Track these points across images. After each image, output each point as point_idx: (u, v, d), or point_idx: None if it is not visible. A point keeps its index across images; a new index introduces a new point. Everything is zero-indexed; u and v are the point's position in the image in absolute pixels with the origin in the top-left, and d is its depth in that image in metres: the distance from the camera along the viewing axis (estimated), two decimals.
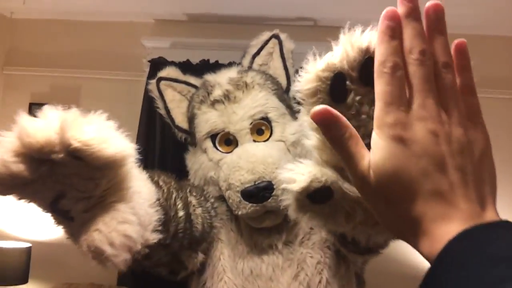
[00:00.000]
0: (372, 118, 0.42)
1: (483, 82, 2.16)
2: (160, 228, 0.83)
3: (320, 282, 1.03)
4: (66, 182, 0.64)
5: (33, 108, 2.78)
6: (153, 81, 1.22)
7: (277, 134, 1.09)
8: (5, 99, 2.86)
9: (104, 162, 0.61)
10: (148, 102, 2.58)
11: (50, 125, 0.61)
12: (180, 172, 2.43)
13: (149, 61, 2.61)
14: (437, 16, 0.42)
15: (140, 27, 2.73)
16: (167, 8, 2.61)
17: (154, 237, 0.80)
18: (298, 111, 1.13)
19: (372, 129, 0.42)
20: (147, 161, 2.53)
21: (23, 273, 2.43)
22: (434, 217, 0.38)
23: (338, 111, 0.43)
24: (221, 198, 1.09)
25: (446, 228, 0.37)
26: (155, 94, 1.22)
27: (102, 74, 2.77)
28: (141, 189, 0.79)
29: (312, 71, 0.50)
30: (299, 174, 0.63)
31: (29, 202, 0.67)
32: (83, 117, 0.66)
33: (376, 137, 0.41)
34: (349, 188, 0.57)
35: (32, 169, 0.61)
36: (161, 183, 0.95)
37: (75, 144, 0.59)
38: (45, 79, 2.84)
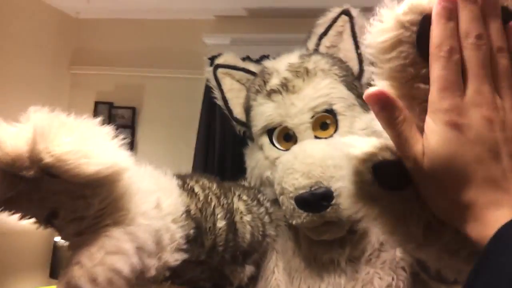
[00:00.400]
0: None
1: None
2: (188, 245, 0.70)
3: None
4: (55, 199, 0.54)
5: (99, 106, 2.87)
6: (210, 69, 1.11)
7: (343, 130, 0.92)
8: (72, 98, 2.96)
9: (86, 179, 0.50)
10: (208, 100, 2.56)
11: (23, 135, 0.50)
12: (240, 171, 2.40)
13: (209, 58, 2.58)
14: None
15: (200, 24, 2.71)
16: (227, 4, 2.56)
17: (176, 258, 0.67)
18: None
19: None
20: (207, 160, 2.51)
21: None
22: (486, 203, 0.38)
23: (428, 69, 0.39)
24: (278, 202, 0.94)
25: (498, 214, 0.37)
26: (212, 83, 1.11)
27: (164, 73, 2.79)
28: (162, 201, 0.67)
29: (389, 16, 0.40)
30: (362, 141, 0.49)
31: (23, 217, 0.57)
32: (65, 123, 0.53)
33: (431, 122, 0.40)
34: None
35: (9, 185, 0.52)
36: (197, 189, 0.81)
37: (47, 159, 0.48)
38: (110, 78, 2.90)
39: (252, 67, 1.12)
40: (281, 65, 0.98)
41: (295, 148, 0.90)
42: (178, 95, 2.76)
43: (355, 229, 0.90)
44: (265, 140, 0.97)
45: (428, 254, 0.48)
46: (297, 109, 0.92)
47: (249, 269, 0.91)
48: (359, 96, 0.97)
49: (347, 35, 1.03)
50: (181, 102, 2.74)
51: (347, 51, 1.02)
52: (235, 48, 2.57)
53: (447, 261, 0.46)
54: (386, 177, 0.44)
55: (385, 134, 0.46)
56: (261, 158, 0.98)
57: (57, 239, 2.50)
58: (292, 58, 1.00)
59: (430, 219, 0.45)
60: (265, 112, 0.96)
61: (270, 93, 0.95)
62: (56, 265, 2.46)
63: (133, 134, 2.80)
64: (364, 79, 1.01)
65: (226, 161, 2.48)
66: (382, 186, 0.45)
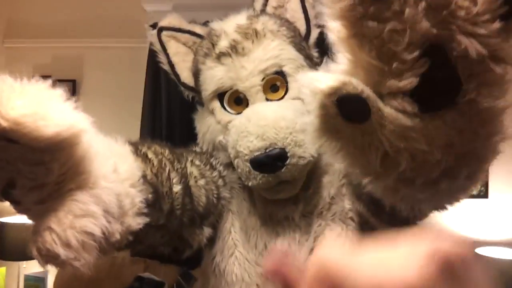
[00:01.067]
0: (419, 21, 0.35)
1: None
2: (147, 209, 0.70)
3: None
4: (11, 168, 0.52)
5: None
6: (154, 32, 1.08)
7: (293, 91, 0.93)
8: (8, 73, 2.79)
9: (46, 142, 0.49)
10: (153, 69, 2.50)
11: None
12: (189, 138, 2.40)
13: (150, 25, 2.51)
14: None
15: None
16: None
17: (138, 222, 0.67)
18: (320, 63, 1.00)
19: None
20: (155, 129, 2.47)
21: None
22: None
23: (375, 6, 0.37)
24: (232, 165, 0.95)
25: None
26: (156, 47, 1.08)
27: (104, 43, 2.69)
28: (119, 166, 0.66)
29: None
30: (327, 76, 0.49)
31: None
32: (14, 87, 0.51)
33: None
34: (392, 116, 0.45)
35: None
36: (150, 155, 0.80)
37: (2, 123, 0.46)
38: (47, 50, 2.77)
39: (198, 29, 1.09)
40: (229, 27, 0.97)
41: (247, 111, 0.91)
42: (120, 65, 2.67)
43: (308, 186, 0.93)
44: (216, 104, 0.96)
45: (384, 187, 0.49)
46: (247, 72, 0.92)
47: (207, 231, 0.92)
48: (307, 57, 0.98)
49: None
50: (123, 73, 2.66)
51: (294, 11, 1.02)
52: (177, 14, 2.52)
53: (403, 192, 0.47)
54: (350, 110, 0.45)
55: (341, 59, 0.48)
56: (213, 122, 0.98)
57: (3, 219, 2.41)
58: (240, 19, 0.98)
59: (387, 150, 0.46)
60: (215, 76, 0.94)
61: (219, 56, 0.94)
62: (4, 245, 2.38)
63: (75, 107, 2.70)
64: (311, 40, 1.02)
65: (174, 129, 2.44)
66: (345, 118, 0.45)
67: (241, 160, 0.86)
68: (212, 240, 0.99)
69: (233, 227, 0.98)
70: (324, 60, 1.01)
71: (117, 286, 2.05)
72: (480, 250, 2.10)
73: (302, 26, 1.02)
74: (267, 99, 0.93)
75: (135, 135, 2.51)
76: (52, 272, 2.42)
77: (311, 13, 1.03)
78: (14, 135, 0.47)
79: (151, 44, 1.11)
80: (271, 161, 0.82)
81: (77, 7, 2.72)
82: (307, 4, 1.02)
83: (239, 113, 0.94)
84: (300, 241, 0.93)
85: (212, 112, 0.98)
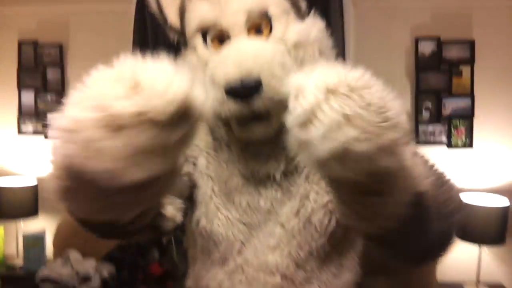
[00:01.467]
0: None
1: None
2: None
3: (329, 223, 0.91)
4: None
5: (23, 46, 2.70)
6: None
7: (277, 34, 0.91)
8: None
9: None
10: (139, 33, 2.49)
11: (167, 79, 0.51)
12: None
13: None
14: None
15: None
16: None
17: None
18: (307, 14, 0.97)
19: None
20: None
21: (33, 207, 2.46)
22: None
23: None
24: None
25: None
26: None
27: (89, 7, 2.65)
28: None
29: None
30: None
31: None
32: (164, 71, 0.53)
33: None
34: None
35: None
36: None
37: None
38: (32, 16, 2.73)
39: None
40: None
41: (228, 46, 0.89)
42: (106, 29, 2.64)
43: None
44: (198, 40, 0.95)
45: None
46: (232, 9, 0.90)
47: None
48: (294, 4, 0.97)
49: None
50: (110, 37, 2.63)
51: None
52: None
53: None
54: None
55: None
56: (194, 60, 0.96)
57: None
58: None
59: None
60: (200, 11, 0.93)
61: None
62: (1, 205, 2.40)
63: (62, 73, 2.68)
64: None
65: None
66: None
67: (216, 88, 0.85)
68: (194, 204, 0.99)
69: (213, 193, 0.98)
70: (311, 13, 0.99)
71: (113, 242, 2.10)
72: (465, 197, 2.18)
73: None
74: None
75: None
76: (50, 230, 2.45)
77: None
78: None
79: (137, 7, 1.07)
80: (245, 89, 0.82)
81: None
82: None
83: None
84: (282, 200, 0.93)
85: (194, 49, 0.96)
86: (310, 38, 0.93)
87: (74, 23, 2.70)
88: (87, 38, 2.67)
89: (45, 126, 2.65)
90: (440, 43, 2.35)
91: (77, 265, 1.67)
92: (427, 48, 2.36)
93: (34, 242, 2.33)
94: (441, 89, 2.36)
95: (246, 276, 0.93)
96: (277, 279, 0.91)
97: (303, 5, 0.99)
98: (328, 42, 0.98)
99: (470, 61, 2.34)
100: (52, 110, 2.59)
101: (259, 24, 0.91)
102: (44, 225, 2.54)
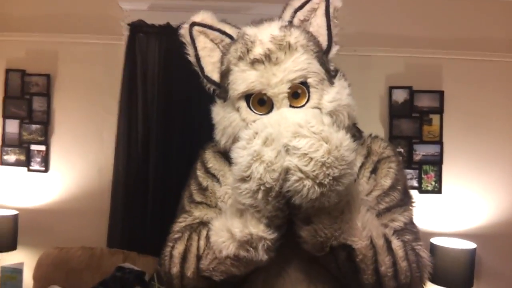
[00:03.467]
0: None
1: (477, 44, 2.17)
2: None
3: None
4: None
5: (10, 74, 2.73)
6: (186, 26, 1.15)
7: (314, 101, 1.03)
8: None
9: None
10: (130, 66, 2.56)
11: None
12: (165, 136, 2.48)
13: (128, 24, 2.57)
14: None
15: None
16: None
17: None
18: (335, 75, 1.10)
19: None
20: (131, 126, 2.54)
21: (12, 240, 2.47)
22: None
23: None
24: None
25: None
26: (186, 39, 1.15)
27: (79, 38, 2.72)
28: None
29: None
30: None
31: None
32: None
33: None
34: None
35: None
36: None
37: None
38: (21, 44, 2.77)
39: (228, 29, 1.16)
40: (264, 36, 1.05)
41: (276, 113, 0.99)
42: (95, 61, 2.70)
43: None
44: (242, 104, 1.05)
45: None
46: (277, 79, 1.01)
47: None
48: (327, 70, 1.08)
49: (321, 12, 1.12)
50: (99, 68, 2.70)
51: (318, 26, 1.12)
52: (154, 14, 2.59)
53: None
54: None
55: None
56: (237, 118, 1.06)
57: None
58: (273, 29, 1.07)
59: None
60: (248, 79, 1.03)
61: (253, 62, 1.03)
62: None
63: (49, 102, 2.72)
64: (330, 55, 1.11)
65: (151, 126, 2.53)
66: None
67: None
68: None
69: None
70: (338, 74, 1.11)
71: (97, 276, 2.13)
72: (434, 240, 2.31)
73: (324, 42, 1.11)
74: (290, 106, 1.03)
75: (110, 130, 2.58)
76: (27, 264, 2.46)
77: (334, 31, 1.12)
78: None
79: (180, 35, 1.16)
80: None
81: (53, 2, 2.74)
82: (332, 23, 1.12)
83: (263, 113, 1.03)
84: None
85: (237, 110, 1.06)
86: (342, 104, 1.05)
87: (63, 53, 2.75)
88: (75, 69, 2.72)
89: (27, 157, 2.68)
90: (412, 92, 2.51)
91: None
92: (400, 96, 2.51)
93: (12, 275, 2.34)
94: (412, 135, 2.50)
95: None
96: None
97: (332, 68, 1.10)
98: (353, 104, 1.09)
99: (440, 110, 2.50)
100: (36, 140, 2.64)
101: (297, 90, 1.03)
102: (23, 258, 2.54)
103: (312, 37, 1.09)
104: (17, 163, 2.70)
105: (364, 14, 2.55)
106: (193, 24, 1.14)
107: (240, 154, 0.88)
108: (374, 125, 2.53)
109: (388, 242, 0.94)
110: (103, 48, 2.69)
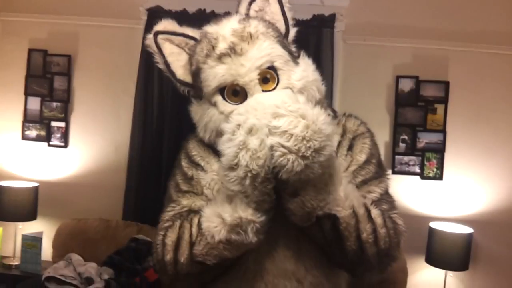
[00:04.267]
0: None
1: (484, 37, 2.26)
2: None
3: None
4: None
5: (32, 54, 2.86)
6: (150, 36, 1.18)
7: (284, 82, 1.10)
8: (3, 45, 2.91)
9: None
10: (146, 51, 2.65)
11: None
12: (179, 117, 2.58)
13: (146, 9, 2.67)
14: None
15: None
16: None
17: None
18: (299, 55, 1.17)
19: None
20: (147, 109, 2.66)
21: (32, 210, 2.61)
22: None
23: None
24: None
25: None
26: (153, 49, 1.18)
27: (99, 21, 2.82)
28: None
29: None
30: None
31: None
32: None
33: None
34: None
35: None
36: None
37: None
38: (43, 26, 2.88)
39: (189, 31, 1.21)
40: (225, 31, 1.11)
41: (250, 101, 1.05)
42: (114, 44, 2.81)
43: None
44: (218, 97, 1.10)
45: None
46: (246, 68, 1.07)
47: None
48: (290, 52, 1.16)
49: (274, 1, 1.20)
50: (117, 51, 2.80)
51: (274, 14, 1.20)
52: (171, 0, 2.69)
53: None
54: None
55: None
56: (216, 113, 1.11)
57: (1, 183, 2.56)
58: (233, 23, 1.13)
59: None
60: (218, 73, 1.08)
61: (220, 57, 1.08)
62: (1, 206, 2.54)
63: (69, 82, 2.84)
64: (290, 37, 1.20)
65: (165, 110, 2.64)
66: None
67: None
68: None
69: None
70: (302, 54, 1.18)
71: (112, 246, 2.27)
72: (433, 224, 2.42)
73: (282, 27, 1.19)
74: (263, 90, 1.09)
75: (127, 110, 2.70)
76: (46, 234, 2.60)
77: (289, 16, 1.20)
78: None
79: (146, 45, 1.22)
80: None
81: None
82: (285, 9, 1.20)
83: (239, 103, 1.09)
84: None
85: (214, 104, 1.12)
86: (310, 80, 1.13)
87: (83, 35, 2.86)
88: (95, 50, 2.83)
89: (48, 132, 2.82)
90: (418, 82, 2.59)
91: (79, 267, 1.82)
92: (406, 85, 2.60)
93: (32, 243, 2.47)
94: (417, 123, 2.59)
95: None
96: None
97: (294, 50, 1.18)
98: (320, 78, 1.17)
99: (444, 100, 2.59)
100: (56, 117, 2.77)
101: (266, 75, 1.10)
102: (42, 228, 2.68)
103: (270, 24, 1.16)
104: (38, 138, 2.84)
105: (373, 5, 2.63)
106: (157, 33, 1.18)
107: (227, 146, 0.94)
108: (381, 112, 2.62)
109: (368, 211, 1.01)
110: (122, 31, 2.79)
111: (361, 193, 1.08)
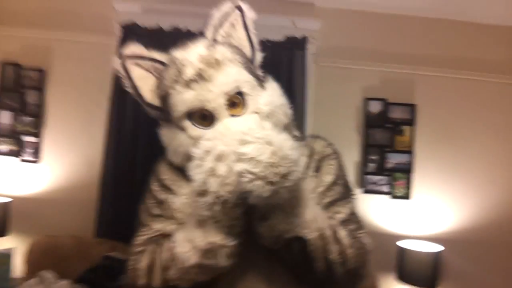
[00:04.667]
0: None
1: (479, 66, 2.35)
2: None
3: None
4: None
5: (6, 67, 2.82)
6: (119, 60, 1.18)
7: (251, 107, 1.12)
8: None
9: None
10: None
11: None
12: (154, 132, 2.58)
13: (122, 26, 2.68)
14: None
15: None
16: None
17: None
18: (264, 80, 1.19)
19: None
20: (121, 124, 2.66)
21: (3, 226, 2.58)
22: None
23: None
24: None
25: None
26: (121, 73, 1.19)
27: (72, 36, 2.81)
28: None
29: None
30: None
31: None
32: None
33: None
34: None
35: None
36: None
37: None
38: (16, 39, 2.85)
39: (157, 55, 1.23)
40: (192, 57, 1.13)
41: (219, 124, 1.07)
42: (88, 59, 2.80)
43: None
44: (187, 122, 1.12)
45: None
46: (214, 94, 1.09)
47: None
48: (256, 77, 1.18)
49: (240, 26, 1.23)
50: (91, 66, 2.79)
51: (240, 39, 1.23)
52: (146, 16, 2.69)
53: None
54: None
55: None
56: (185, 138, 1.12)
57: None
58: (200, 49, 1.15)
59: None
60: (186, 99, 1.10)
61: (188, 83, 1.10)
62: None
63: (42, 96, 2.82)
64: (256, 62, 1.23)
65: (140, 124, 2.65)
66: None
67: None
68: None
69: None
70: (268, 79, 1.21)
71: (85, 264, 2.26)
72: (402, 243, 2.49)
73: (248, 52, 1.22)
74: (231, 115, 1.11)
75: (101, 125, 2.70)
76: (19, 249, 2.57)
77: (255, 41, 1.23)
78: None
79: (114, 70, 1.22)
80: None
81: None
82: (251, 34, 1.23)
83: (208, 127, 1.10)
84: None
85: (183, 129, 1.13)
86: (277, 105, 1.16)
87: (57, 50, 2.84)
88: (69, 65, 2.81)
89: (20, 147, 2.79)
90: (386, 104, 2.67)
91: (52, 285, 1.81)
92: (375, 107, 2.68)
93: (2, 260, 2.39)
94: (385, 144, 2.68)
95: None
96: None
97: (261, 74, 1.21)
98: (286, 102, 1.20)
99: (411, 122, 2.67)
100: (28, 132, 2.75)
101: (234, 100, 1.12)
102: (14, 244, 2.63)
103: (237, 50, 1.18)
104: (10, 153, 2.80)
105: (343, 29, 2.72)
106: (125, 57, 1.19)
107: (196, 171, 0.95)
108: (351, 133, 2.70)
109: (335, 232, 1.04)
110: (97, 47, 2.79)
111: (329, 214, 1.11)
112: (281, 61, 2.58)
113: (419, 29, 2.73)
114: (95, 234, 2.61)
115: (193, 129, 1.11)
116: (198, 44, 1.17)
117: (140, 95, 1.19)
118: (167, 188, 1.20)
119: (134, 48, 1.21)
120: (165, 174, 1.22)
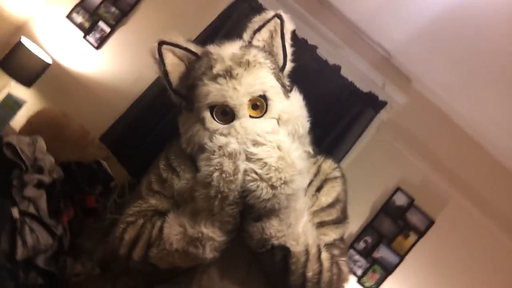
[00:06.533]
0: None
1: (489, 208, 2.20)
2: None
3: None
4: None
5: None
6: (155, 45, 1.23)
7: (271, 112, 1.16)
8: None
9: None
10: None
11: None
12: None
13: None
14: None
15: None
16: None
17: None
18: (291, 90, 1.23)
19: None
20: None
21: (31, 78, 2.60)
22: None
23: None
24: None
25: None
26: (155, 57, 1.23)
27: None
28: None
29: None
30: None
31: None
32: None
33: None
34: None
35: None
36: None
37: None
38: None
39: (193, 47, 1.27)
40: (225, 54, 1.17)
41: (238, 123, 1.10)
42: None
43: None
44: (207, 114, 1.15)
45: None
46: (238, 92, 1.13)
47: None
48: (282, 85, 1.21)
49: (277, 34, 1.25)
50: None
51: (275, 47, 1.26)
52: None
53: None
54: None
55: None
56: (201, 128, 1.16)
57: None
58: (234, 48, 1.19)
59: None
60: (211, 92, 1.14)
61: (216, 77, 1.14)
62: (11, 59, 2.53)
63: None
64: (286, 71, 1.26)
65: None
66: None
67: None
68: None
69: None
70: (294, 89, 1.25)
71: (76, 156, 2.28)
72: None
73: (280, 60, 1.25)
74: (250, 116, 1.14)
75: None
76: (29, 106, 2.61)
77: (288, 51, 1.25)
78: None
79: (150, 52, 1.24)
80: None
81: None
82: (286, 44, 1.25)
83: (225, 123, 1.14)
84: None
85: (201, 120, 1.16)
86: (296, 115, 1.19)
87: None
88: None
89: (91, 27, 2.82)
90: (411, 204, 2.67)
91: (39, 153, 1.84)
92: (400, 200, 2.68)
93: (10, 105, 2.44)
94: (385, 236, 2.66)
95: None
96: None
97: (287, 83, 1.24)
98: (306, 115, 1.23)
99: (421, 234, 2.66)
100: (107, 21, 2.75)
101: (256, 102, 1.15)
102: (28, 99, 2.65)
103: (269, 56, 1.22)
104: (79, 26, 2.83)
105: (420, 118, 2.73)
106: (162, 42, 1.22)
107: (205, 163, 1.00)
108: (364, 206, 2.70)
109: (319, 252, 1.06)
110: None
111: (317, 234, 1.12)
112: (353, 107, 2.60)
113: (486, 169, 2.71)
114: (102, 139, 2.60)
115: (211, 122, 1.14)
116: (234, 43, 1.22)
117: (168, 80, 1.23)
118: (172, 169, 1.22)
119: (172, 36, 1.25)
120: (174, 155, 1.25)
